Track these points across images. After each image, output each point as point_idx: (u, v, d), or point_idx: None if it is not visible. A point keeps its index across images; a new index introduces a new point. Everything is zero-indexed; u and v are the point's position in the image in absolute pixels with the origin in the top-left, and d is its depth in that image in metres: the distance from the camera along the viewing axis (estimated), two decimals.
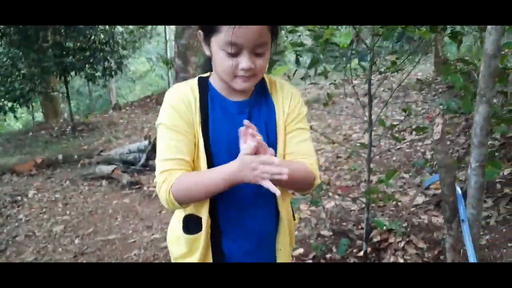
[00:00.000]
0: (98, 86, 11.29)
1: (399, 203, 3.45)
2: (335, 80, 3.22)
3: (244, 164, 1.07)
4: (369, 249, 2.71)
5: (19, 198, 5.21)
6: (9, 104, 8.33)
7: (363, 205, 3.14)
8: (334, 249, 2.94)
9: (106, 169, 5.71)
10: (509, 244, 2.57)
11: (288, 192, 1.40)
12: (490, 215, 2.91)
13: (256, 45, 1.14)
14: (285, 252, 1.43)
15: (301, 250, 3.01)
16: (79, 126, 9.28)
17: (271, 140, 1.27)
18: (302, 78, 2.76)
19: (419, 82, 7.07)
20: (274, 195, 1.13)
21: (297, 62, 2.70)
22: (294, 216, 1.50)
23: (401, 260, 2.65)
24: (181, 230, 1.34)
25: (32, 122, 14.08)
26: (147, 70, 20.89)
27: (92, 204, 4.88)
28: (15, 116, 8.75)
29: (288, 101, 1.33)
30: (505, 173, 3.25)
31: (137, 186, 5.24)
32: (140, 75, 21.13)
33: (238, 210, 1.30)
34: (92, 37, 8.33)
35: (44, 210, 4.82)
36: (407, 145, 4.81)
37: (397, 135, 3.47)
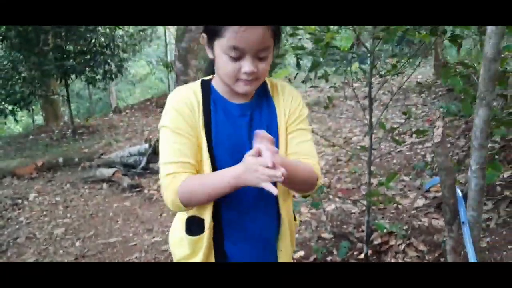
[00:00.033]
0: (98, 89, 11.31)
1: (400, 206, 3.46)
2: (335, 83, 3.24)
3: (247, 166, 1.08)
4: (369, 252, 2.72)
5: (19, 201, 5.22)
6: (10, 107, 8.35)
7: (364, 208, 3.15)
8: (334, 252, 2.94)
9: (107, 172, 5.72)
10: (509, 247, 2.57)
11: (289, 192, 1.41)
12: (490, 217, 2.92)
13: (259, 50, 1.15)
14: (286, 253, 1.43)
15: (301, 253, 3.01)
16: (79, 129, 9.28)
17: None
18: (303, 81, 2.77)
19: (419, 85, 7.09)
20: (275, 197, 1.13)
21: (298, 65, 2.71)
22: (295, 217, 1.51)
23: None
24: (183, 231, 1.35)
25: (32, 125, 14.11)
26: (147, 73, 20.92)
27: (93, 207, 4.88)
28: (15, 119, 8.75)
29: (289, 103, 1.34)
30: (505, 175, 3.26)
31: (137, 189, 5.25)
32: (140, 78, 21.16)
33: (239, 213, 1.31)
34: (93, 40, 8.34)
35: (44, 212, 4.83)
36: (407, 148, 4.82)
37: (397, 138, 3.48)
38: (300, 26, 2.69)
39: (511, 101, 2.80)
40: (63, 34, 8.03)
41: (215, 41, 1.17)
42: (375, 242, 2.86)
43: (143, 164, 5.92)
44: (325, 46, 2.26)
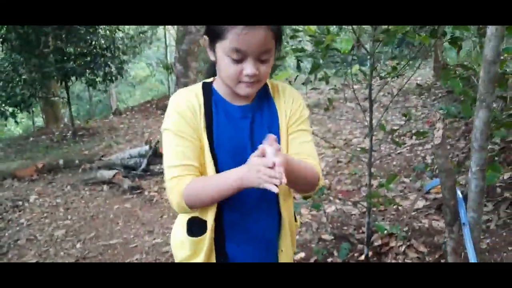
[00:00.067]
0: (99, 91, 11.31)
1: (400, 207, 3.46)
2: (335, 85, 3.25)
3: (250, 167, 1.09)
4: (370, 253, 2.72)
5: (20, 203, 5.23)
6: (10, 110, 8.36)
7: (364, 209, 3.15)
8: (335, 253, 2.95)
9: (107, 174, 5.73)
10: (510, 248, 2.58)
11: (290, 193, 1.42)
12: (490, 219, 2.93)
13: (261, 52, 1.16)
14: (287, 253, 1.44)
15: (302, 254, 3.02)
16: (79, 131, 9.29)
17: None
18: (303, 83, 2.78)
19: (418, 87, 7.11)
20: (276, 197, 1.14)
21: (298, 67, 2.72)
22: (296, 218, 1.52)
23: None
24: (185, 233, 1.36)
25: (32, 127, 14.11)
26: (147, 75, 20.94)
27: (94, 208, 4.89)
28: (16, 121, 8.76)
29: (290, 104, 1.35)
30: (505, 177, 3.27)
31: (138, 191, 5.26)
32: (140, 80, 21.17)
33: (242, 214, 1.32)
34: (93, 43, 8.35)
35: (45, 214, 4.84)
36: (407, 149, 4.83)
37: (397, 139, 3.49)
38: (300, 28, 2.71)
39: (511, 103, 2.81)
40: (63, 36, 8.04)
41: (217, 43, 1.18)
42: (376, 244, 2.86)
43: (143, 166, 5.93)
44: (325, 48, 2.27)
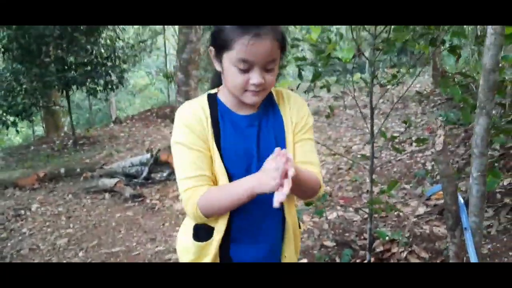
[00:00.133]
0: (99, 100, 11.35)
1: (401, 214, 3.49)
2: (336, 94, 3.29)
3: (265, 170, 1.12)
4: (372, 259, 2.74)
5: (22, 212, 5.24)
6: (12, 119, 8.39)
7: (365, 216, 3.18)
8: (337, 259, 2.96)
9: (109, 182, 5.75)
10: (510, 253, 2.60)
11: (293, 199, 1.45)
12: (491, 224, 2.95)
13: (267, 62, 1.19)
14: (291, 259, 1.46)
15: (304, 261, 3.04)
16: (80, 140, 9.32)
17: None
18: (305, 92, 2.82)
19: (418, 94, 7.16)
20: (281, 203, 1.16)
21: (300, 75, 2.76)
22: (300, 225, 1.54)
23: None
24: (191, 237, 1.38)
25: (32, 136, 14.14)
26: (147, 84, 21.01)
27: (96, 217, 4.90)
28: (16, 130, 8.79)
29: (296, 111, 1.38)
30: (505, 183, 3.30)
31: (139, 199, 5.28)
32: (139, 88, 21.23)
33: (250, 219, 1.34)
34: (94, 52, 8.40)
35: (47, 223, 4.85)
36: (407, 156, 4.86)
37: (397, 146, 3.52)
38: (301, 38, 2.75)
39: (510, 110, 2.85)
40: (64, 45, 8.09)
41: (224, 54, 1.21)
42: (377, 250, 2.88)
43: (145, 174, 5.95)
44: (326, 57, 2.30)
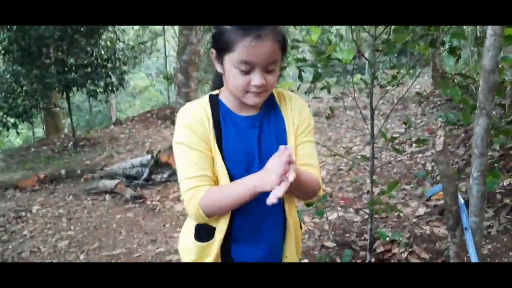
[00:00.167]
0: (99, 101, 11.36)
1: (401, 214, 3.50)
2: (336, 95, 3.29)
3: (268, 168, 1.14)
4: (372, 260, 2.75)
5: (23, 213, 5.23)
6: (12, 120, 8.40)
7: (366, 216, 3.18)
8: (338, 260, 2.97)
9: (109, 183, 5.75)
10: (511, 253, 2.61)
11: (294, 199, 1.46)
12: (491, 225, 2.96)
13: (268, 63, 1.20)
14: (292, 260, 1.47)
15: (305, 261, 3.04)
16: (80, 141, 9.32)
17: None
18: (305, 93, 2.83)
19: (417, 95, 7.18)
20: (282, 203, 1.17)
21: (300, 77, 2.77)
22: (301, 225, 1.55)
23: None
24: (192, 238, 1.38)
25: (32, 138, 14.15)
26: (147, 85, 21.03)
27: (96, 218, 4.90)
28: (17, 132, 8.80)
29: (297, 113, 1.39)
30: (505, 183, 3.31)
31: (140, 200, 5.28)
32: (139, 90, 21.26)
33: (251, 219, 1.35)
34: (94, 53, 8.42)
35: (48, 225, 4.85)
36: (407, 157, 4.87)
37: (397, 147, 3.53)
38: (301, 39, 2.76)
39: (509, 110, 2.86)
40: (64, 47, 8.10)
41: (225, 55, 1.22)
42: (378, 250, 2.89)
43: (145, 175, 5.96)
44: (327, 58, 2.31)
